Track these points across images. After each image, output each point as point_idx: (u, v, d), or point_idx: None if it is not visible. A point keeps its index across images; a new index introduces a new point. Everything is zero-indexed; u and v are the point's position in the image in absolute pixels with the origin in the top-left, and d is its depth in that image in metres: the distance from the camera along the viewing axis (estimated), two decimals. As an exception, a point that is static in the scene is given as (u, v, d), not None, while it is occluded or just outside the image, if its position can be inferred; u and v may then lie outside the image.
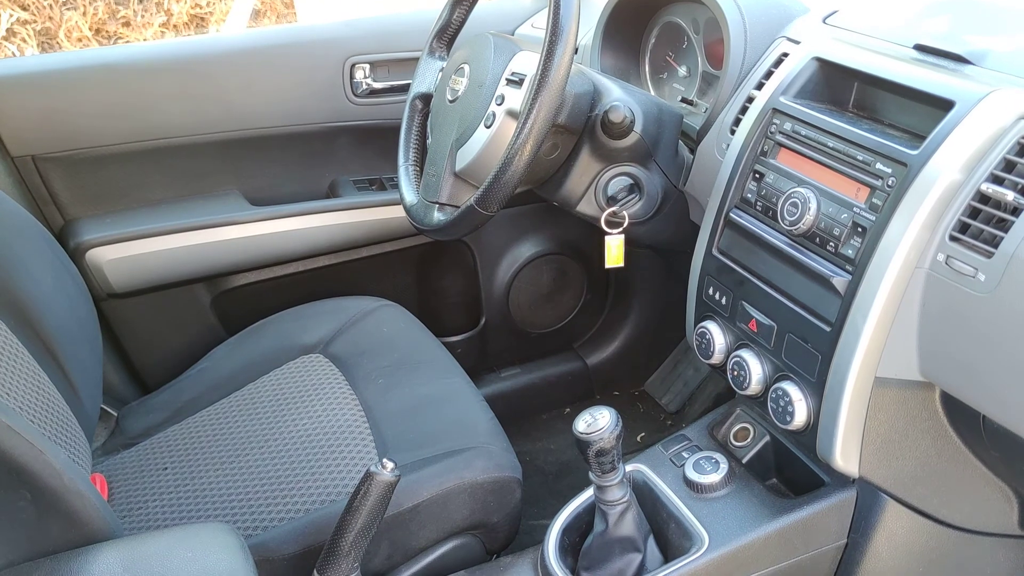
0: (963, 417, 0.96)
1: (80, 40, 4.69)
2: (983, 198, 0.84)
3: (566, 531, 1.13)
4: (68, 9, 4.73)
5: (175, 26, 4.94)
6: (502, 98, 1.19)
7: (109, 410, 1.46)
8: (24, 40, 4.59)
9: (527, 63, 1.21)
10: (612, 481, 1.03)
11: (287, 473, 1.19)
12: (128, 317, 1.66)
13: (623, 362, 2.13)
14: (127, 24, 4.84)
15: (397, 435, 1.24)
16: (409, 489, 1.12)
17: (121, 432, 1.40)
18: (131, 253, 1.56)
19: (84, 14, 4.74)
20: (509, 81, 1.20)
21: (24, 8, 4.63)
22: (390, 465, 0.95)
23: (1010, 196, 0.81)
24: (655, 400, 2.11)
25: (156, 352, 1.71)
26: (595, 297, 2.09)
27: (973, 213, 0.84)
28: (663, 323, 2.08)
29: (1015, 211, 0.81)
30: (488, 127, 1.19)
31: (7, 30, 4.57)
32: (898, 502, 1.05)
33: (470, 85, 1.25)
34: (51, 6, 4.67)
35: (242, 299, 1.76)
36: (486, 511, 1.17)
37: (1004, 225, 0.81)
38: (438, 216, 1.23)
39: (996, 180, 0.84)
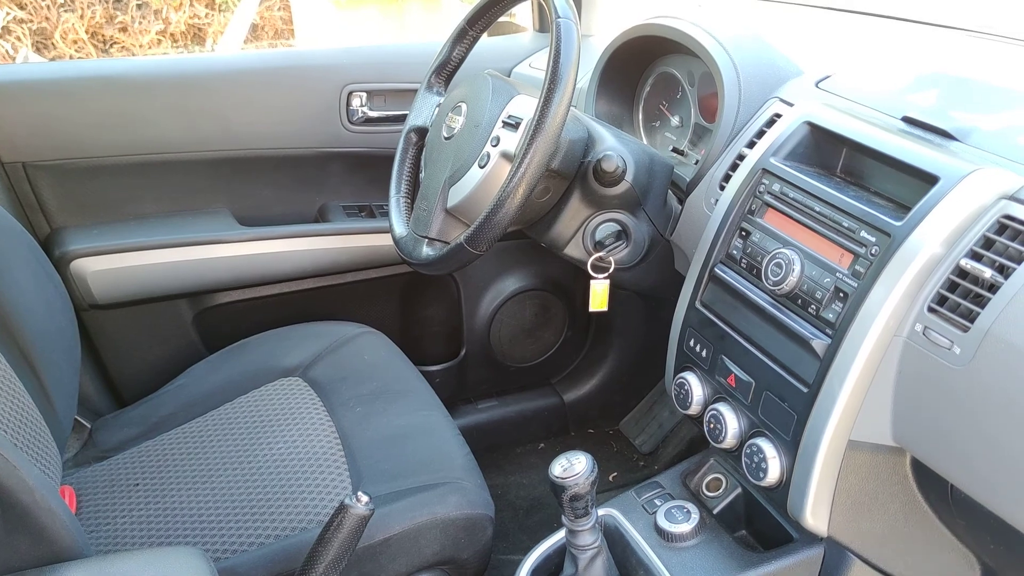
0: (932, 484, 0.98)
1: (75, 42, 4.69)
2: (962, 273, 0.86)
3: (535, 572, 1.13)
4: (66, 11, 4.73)
5: (172, 35, 4.95)
6: (497, 140, 1.21)
7: (83, 421, 1.45)
8: (19, 39, 4.59)
9: (524, 107, 1.22)
10: (584, 526, 1.04)
11: (260, 497, 1.18)
12: (108, 329, 1.65)
13: (599, 400, 2.14)
14: (124, 30, 4.85)
15: (372, 465, 1.24)
16: (381, 522, 1.12)
17: (94, 444, 1.39)
18: (116, 265, 1.56)
19: (81, 17, 4.74)
20: (505, 123, 1.21)
21: (21, 7, 4.63)
22: (364, 498, 0.95)
23: (988, 273, 0.83)
24: (629, 440, 2.11)
25: (134, 366, 1.70)
26: (575, 335, 2.11)
27: (952, 287, 0.86)
28: (641, 364, 2.09)
29: (992, 288, 0.83)
30: (482, 167, 1.21)
31: (2, 27, 4.57)
32: (864, 562, 1.07)
33: (467, 124, 1.26)
34: (48, 7, 4.68)
35: (225, 317, 1.76)
36: (457, 547, 1.17)
37: (981, 301, 0.83)
38: (427, 251, 1.24)
39: (975, 256, 0.86)
